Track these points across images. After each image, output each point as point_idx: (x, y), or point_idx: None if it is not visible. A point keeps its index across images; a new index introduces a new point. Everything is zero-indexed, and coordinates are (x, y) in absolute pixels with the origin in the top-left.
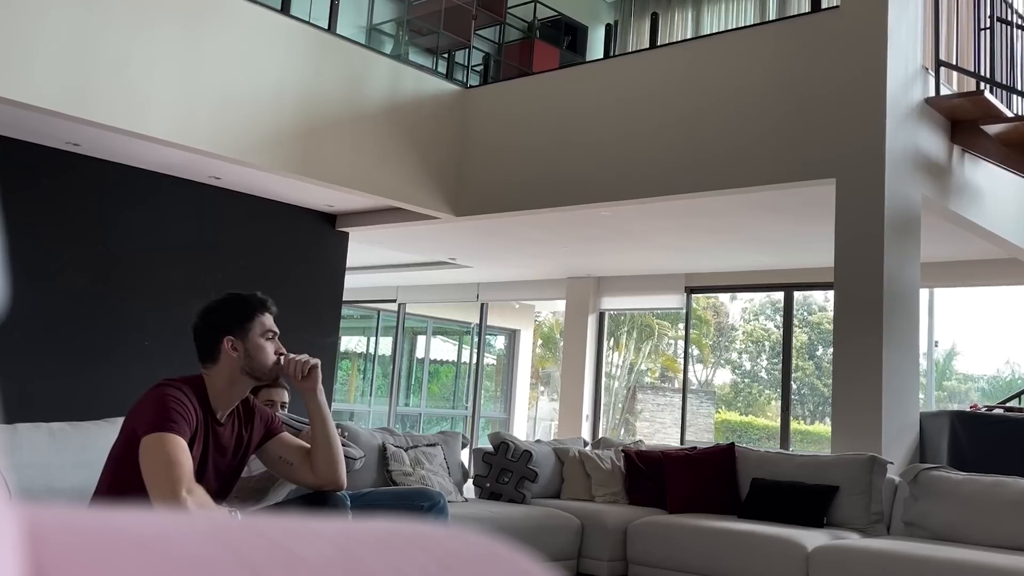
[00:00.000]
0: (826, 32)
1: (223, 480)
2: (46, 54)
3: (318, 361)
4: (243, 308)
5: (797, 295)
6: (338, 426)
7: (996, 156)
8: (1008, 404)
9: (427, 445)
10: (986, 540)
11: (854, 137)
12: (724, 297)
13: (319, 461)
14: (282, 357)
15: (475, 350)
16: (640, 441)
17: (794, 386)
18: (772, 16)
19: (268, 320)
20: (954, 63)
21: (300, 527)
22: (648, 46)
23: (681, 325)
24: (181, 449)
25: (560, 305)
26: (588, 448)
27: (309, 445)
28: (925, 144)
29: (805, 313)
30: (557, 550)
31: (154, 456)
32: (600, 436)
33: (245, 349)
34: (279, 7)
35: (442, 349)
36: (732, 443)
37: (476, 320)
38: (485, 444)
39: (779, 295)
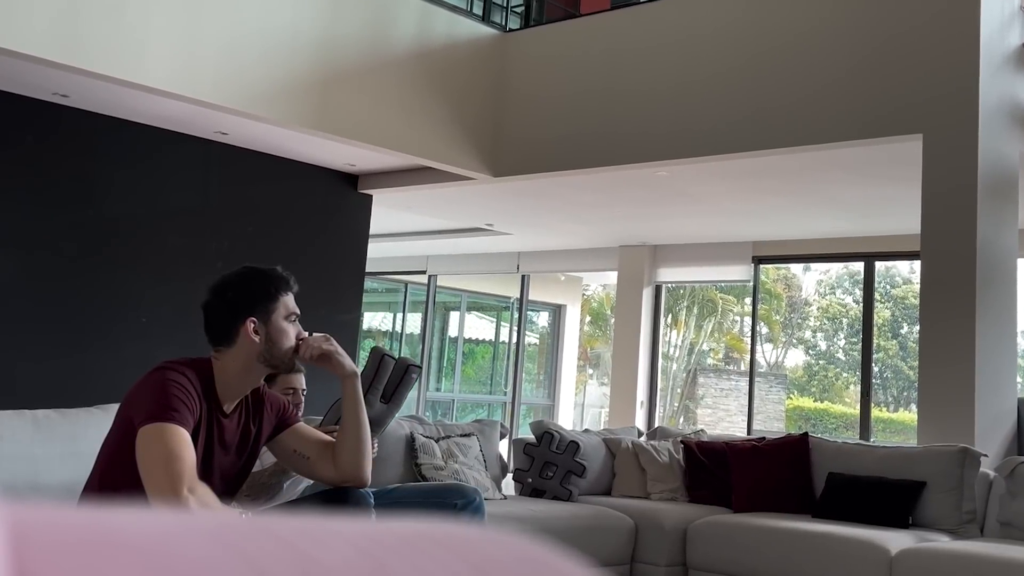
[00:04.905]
0: None
1: (227, 481)
2: None
3: (328, 340)
4: (267, 286)
5: (879, 266)
6: None
7: None
8: None
9: (461, 435)
10: None
11: (943, 87)
12: (796, 268)
13: (344, 453)
14: (301, 343)
15: (515, 328)
16: (701, 431)
17: (875, 369)
18: None
19: (291, 301)
20: None
21: (316, 527)
22: None
23: (748, 300)
24: (183, 442)
25: (611, 277)
26: (643, 439)
27: (328, 437)
28: None
29: (888, 286)
30: (608, 554)
31: (152, 449)
32: (656, 425)
33: (267, 334)
34: None
35: (478, 327)
36: (806, 433)
37: (516, 294)
38: (526, 434)
39: (858, 266)
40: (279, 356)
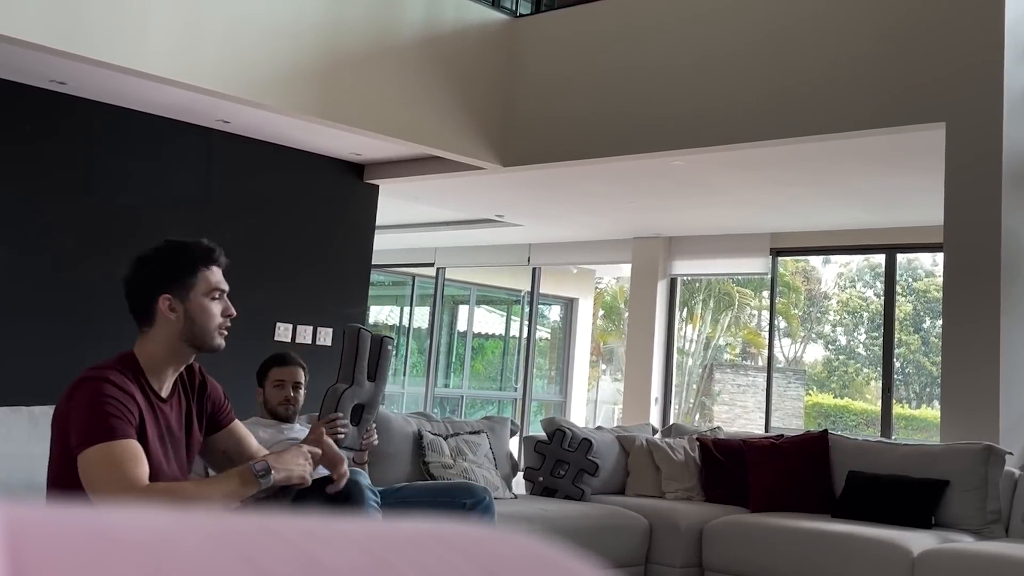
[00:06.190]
0: None
1: (183, 467)
2: None
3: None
4: (184, 259)
5: (901, 258)
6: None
7: None
8: None
9: (470, 433)
10: None
11: (967, 74)
12: (816, 260)
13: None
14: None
15: (526, 322)
16: (718, 428)
17: (897, 364)
18: None
19: (215, 275)
20: None
21: (322, 528)
22: None
23: (766, 293)
24: (130, 456)
25: (625, 270)
26: (657, 436)
27: (256, 450)
28: None
29: (910, 279)
30: (621, 554)
31: (100, 473)
32: (671, 422)
33: (185, 310)
34: None
35: (487, 321)
36: (825, 430)
37: (527, 287)
38: (538, 431)
39: (880, 258)
40: (200, 335)
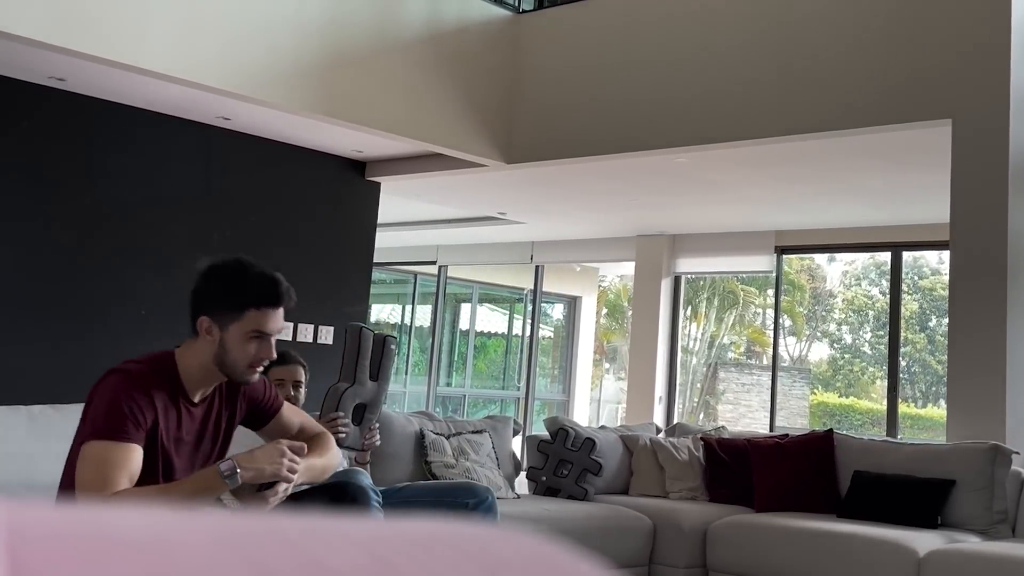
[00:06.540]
0: None
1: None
2: None
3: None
4: (236, 292)
5: (906, 256)
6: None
7: None
8: None
9: (472, 432)
10: None
11: (973, 70)
12: (821, 258)
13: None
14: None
15: (529, 320)
16: (722, 427)
17: (903, 363)
18: None
19: (265, 318)
20: None
21: (324, 528)
22: None
23: (770, 291)
24: (124, 460)
25: (628, 268)
26: (661, 436)
27: (317, 427)
28: None
29: (915, 277)
30: (625, 555)
31: (88, 466)
32: (675, 422)
33: (221, 338)
34: None
35: (490, 319)
36: (830, 430)
37: (530, 285)
38: (541, 431)
39: (885, 256)
40: (231, 366)
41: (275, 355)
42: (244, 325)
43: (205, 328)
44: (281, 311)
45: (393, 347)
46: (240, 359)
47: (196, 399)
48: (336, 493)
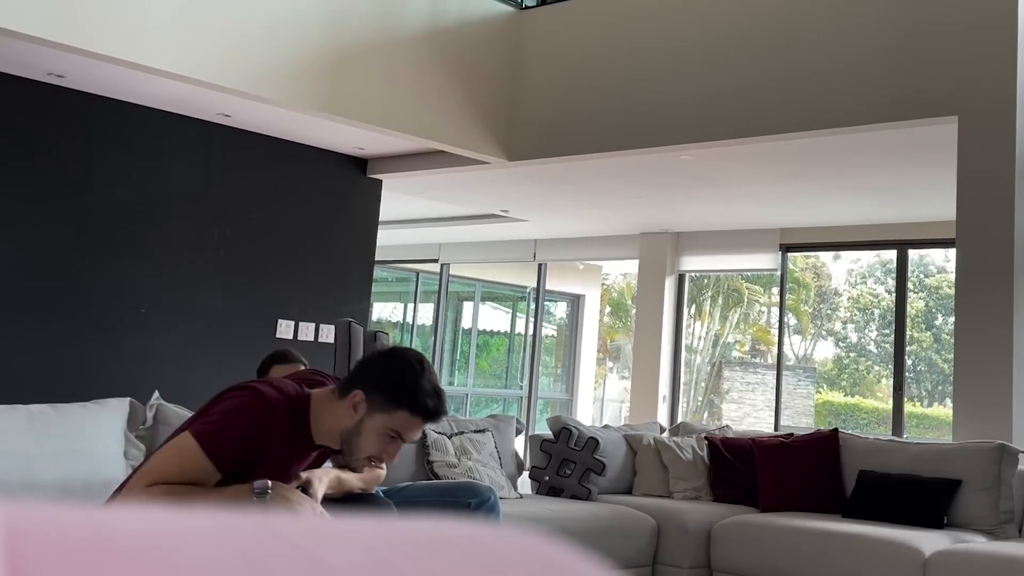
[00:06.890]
0: None
1: None
2: None
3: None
4: (401, 388)
5: (912, 254)
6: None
7: None
8: None
9: (475, 431)
10: None
11: (980, 67)
12: (826, 256)
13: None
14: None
15: (531, 319)
16: (727, 427)
17: (908, 362)
18: None
19: (410, 423)
20: None
21: (325, 528)
22: None
23: (775, 290)
24: (197, 470)
25: (632, 266)
26: (665, 435)
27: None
28: None
29: (921, 275)
30: (629, 555)
31: (170, 457)
32: (679, 421)
33: (361, 419)
34: None
35: (492, 318)
36: (835, 429)
37: (533, 283)
38: (544, 430)
39: (891, 254)
40: (352, 446)
41: (396, 459)
42: (390, 421)
43: (354, 401)
44: (425, 424)
45: (386, 342)
46: (366, 448)
47: (317, 442)
48: (353, 501)
